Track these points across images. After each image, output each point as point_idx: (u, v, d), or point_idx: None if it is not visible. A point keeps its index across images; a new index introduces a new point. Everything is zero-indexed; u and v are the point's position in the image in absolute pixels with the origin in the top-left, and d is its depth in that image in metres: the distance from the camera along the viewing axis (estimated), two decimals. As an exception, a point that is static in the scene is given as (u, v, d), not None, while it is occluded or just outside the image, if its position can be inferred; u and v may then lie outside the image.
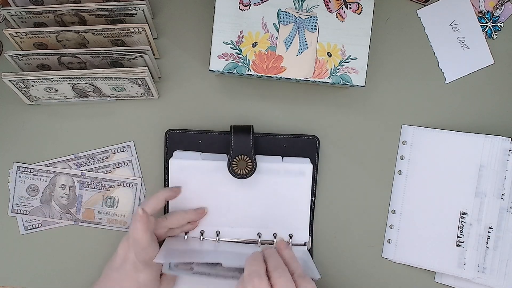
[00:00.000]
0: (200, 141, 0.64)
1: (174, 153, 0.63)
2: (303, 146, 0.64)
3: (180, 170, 0.62)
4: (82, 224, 0.65)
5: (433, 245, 0.65)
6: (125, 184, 0.65)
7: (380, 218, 0.67)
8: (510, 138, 0.64)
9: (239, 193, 0.62)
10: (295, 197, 0.63)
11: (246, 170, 0.61)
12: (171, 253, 0.56)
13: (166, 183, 0.64)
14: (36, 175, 0.65)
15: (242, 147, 0.61)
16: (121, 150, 0.66)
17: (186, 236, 0.62)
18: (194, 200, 0.62)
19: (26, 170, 0.65)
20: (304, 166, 0.63)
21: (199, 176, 0.62)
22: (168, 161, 0.62)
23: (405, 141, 0.67)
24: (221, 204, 0.62)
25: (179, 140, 0.64)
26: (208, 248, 0.60)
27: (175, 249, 0.58)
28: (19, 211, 0.65)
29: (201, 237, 0.62)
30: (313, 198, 0.65)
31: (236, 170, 0.61)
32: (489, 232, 0.64)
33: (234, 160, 0.61)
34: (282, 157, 0.64)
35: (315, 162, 0.65)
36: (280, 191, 0.62)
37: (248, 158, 0.61)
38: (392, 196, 0.67)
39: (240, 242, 0.63)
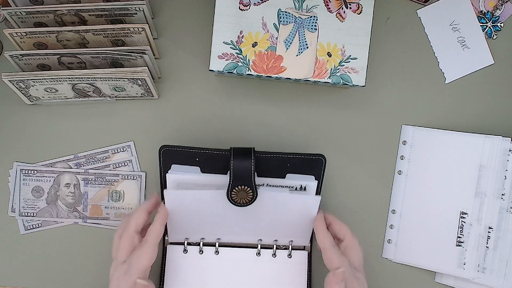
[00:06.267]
0: (197, 159, 0.60)
1: (172, 166, 0.60)
2: (308, 165, 0.61)
3: (177, 184, 0.59)
4: (91, 221, 0.65)
5: (433, 245, 0.65)
6: (129, 177, 0.65)
7: (380, 218, 0.67)
8: (510, 138, 0.64)
9: (240, 209, 0.60)
10: (298, 212, 0.60)
11: (246, 200, 0.58)
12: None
13: (163, 199, 0.61)
14: (39, 176, 0.65)
15: (243, 177, 0.57)
16: (121, 150, 0.66)
17: (185, 249, 0.61)
18: (193, 213, 0.60)
19: (29, 172, 0.65)
20: (308, 183, 0.60)
21: (198, 191, 0.59)
22: (165, 176, 0.59)
23: (405, 141, 0.67)
24: (221, 217, 0.60)
25: (174, 156, 0.60)
26: (211, 269, 0.61)
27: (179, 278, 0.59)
28: (26, 214, 0.65)
29: (201, 244, 0.61)
30: None
31: (236, 200, 0.58)
32: (489, 232, 0.64)
33: (234, 190, 0.57)
34: (286, 174, 0.61)
35: (320, 180, 0.61)
36: (282, 207, 0.60)
37: (249, 189, 0.57)
38: (392, 196, 0.67)
39: (240, 247, 0.62)
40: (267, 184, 0.59)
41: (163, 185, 0.61)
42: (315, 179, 0.60)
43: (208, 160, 0.60)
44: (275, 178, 0.60)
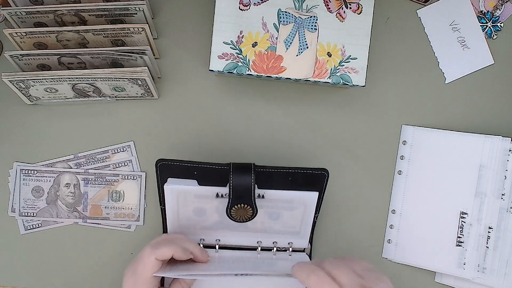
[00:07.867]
0: (195, 172, 0.59)
1: (168, 179, 0.58)
2: (310, 179, 0.59)
3: (177, 196, 0.58)
4: (91, 221, 0.65)
5: (433, 245, 0.65)
6: (129, 177, 0.65)
7: (380, 218, 0.67)
8: (510, 138, 0.64)
9: None
10: (298, 220, 0.60)
11: (246, 217, 0.58)
12: (173, 268, 0.54)
13: (163, 216, 0.61)
14: (39, 176, 0.65)
15: (242, 194, 0.56)
16: (121, 150, 0.66)
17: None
18: (193, 219, 0.59)
19: (29, 172, 0.65)
20: (309, 195, 0.58)
21: (197, 199, 0.58)
22: (163, 188, 0.58)
23: (405, 141, 0.67)
24: (221, 221, 0.60)
25: (171, 170, 0.58)
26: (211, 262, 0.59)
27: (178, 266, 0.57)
28: (26, 214, 0.65)
29: (200, 245, 0.61)
30: (316, 215, 0.61)
31: (236, 217, 0.58)
32: (489, 232, 0.64)
33: (233, 208, 0.57)
34: (287, 187, 0.59)
35: (322, 193, 0.60)
36: (283, 216, 0.60)
37: (248, 207, 0.57)
38: (392, 196, 0.67)
39: (240, 249, 0.62)
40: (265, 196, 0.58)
41: (162, 197, 0.60)
42: (318, 192, 0.59)
43: (206, 174, 0.59)
44: (276, 190, 0.58)
